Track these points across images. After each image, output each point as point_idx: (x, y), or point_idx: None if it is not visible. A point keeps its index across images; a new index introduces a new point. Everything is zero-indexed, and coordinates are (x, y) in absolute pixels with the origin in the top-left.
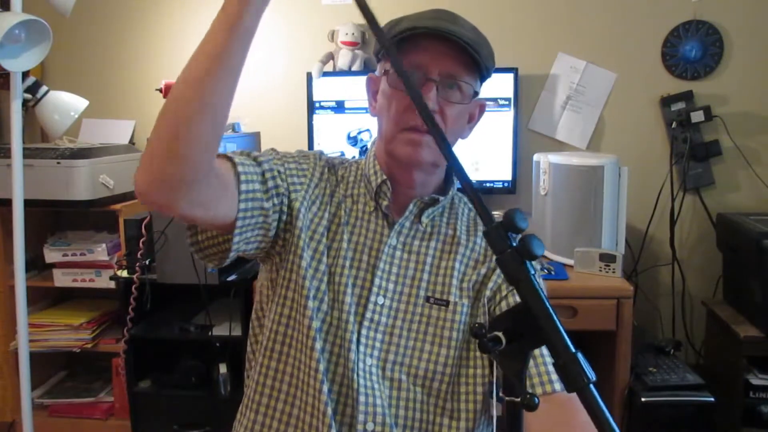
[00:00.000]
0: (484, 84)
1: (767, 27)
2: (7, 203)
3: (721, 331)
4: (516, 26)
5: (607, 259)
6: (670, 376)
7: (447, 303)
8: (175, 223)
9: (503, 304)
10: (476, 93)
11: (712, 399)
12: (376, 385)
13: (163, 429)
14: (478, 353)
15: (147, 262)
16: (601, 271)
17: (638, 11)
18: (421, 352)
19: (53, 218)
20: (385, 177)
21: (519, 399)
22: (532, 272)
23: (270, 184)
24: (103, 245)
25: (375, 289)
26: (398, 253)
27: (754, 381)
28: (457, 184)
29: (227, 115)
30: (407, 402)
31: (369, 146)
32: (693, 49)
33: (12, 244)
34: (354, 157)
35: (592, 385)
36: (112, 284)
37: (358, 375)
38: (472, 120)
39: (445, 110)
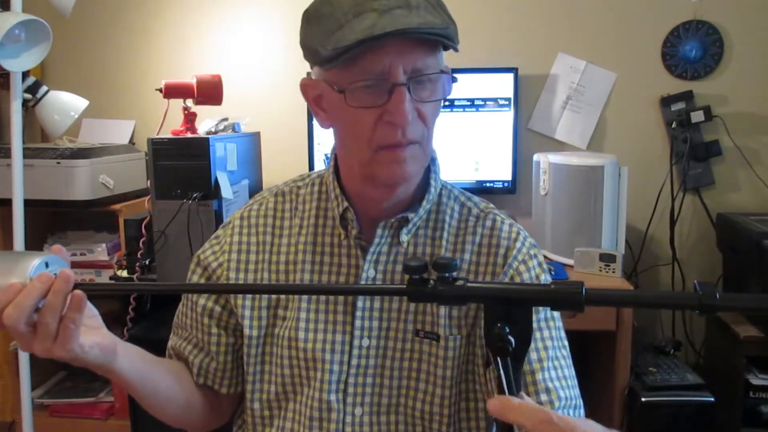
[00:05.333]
0: (484, 84)
1: (767, 27)
2: (7, 203)
3: (721, 331)
4: (516, 26)
5: (607, 259)
6: (670, 376)
7: (438, 337)
8: (174, 223)
9: None
10: (442, 70)
11: (712, 399)
12: None
13: (163, 429)
14: (477, 386)
15: (147, 262)
16: (601, 271)
17: (638, 11)
18: (416, 392)
19: (53, 218)
20: (346, 204)
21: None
22: (463, 279)
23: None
24: (103, 245)
25: (357, 332)
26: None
27: (754, 381)
28: (440, 180)
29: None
30: None
31: (330, 157)
32: (693, 49)
33: (12, 244)
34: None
35: (583, 288)
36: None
37: None
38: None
39: (423, 111)
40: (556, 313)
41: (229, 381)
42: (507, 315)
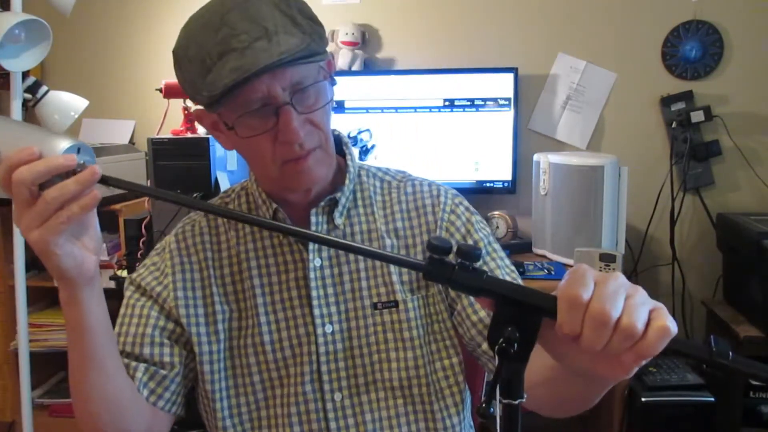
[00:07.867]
0: (484, 84)
1: (767, 27)
2: (7, 203)
3: (721, 331)
4: (516, 26)
5: (607, 259)
6: (670, 376)
7: (396, 303)
8: (174, 223)
9: None
10: (320, 67)
11: (712, 399)
12: (350, 420)
13: None
14: (447, 343)
15: None
16: (601, 271)
17: (638, 11)
18: (389, 362)
19: None
20: (275, 205)
21: (517, 401)
22: (484, 271)
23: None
24: (103, 245)
25: (318, 320)
26: (327, 272)
27: (754, 381)
28: (355, 162)
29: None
30: (390, 420)
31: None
32: (693, 49)
33: (12, 244)
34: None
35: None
36: (112, 284)
37: (328, 420)
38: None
39: (314, 119)
40: (495, 243)
41: (171, 395)
42: (516, 316)
